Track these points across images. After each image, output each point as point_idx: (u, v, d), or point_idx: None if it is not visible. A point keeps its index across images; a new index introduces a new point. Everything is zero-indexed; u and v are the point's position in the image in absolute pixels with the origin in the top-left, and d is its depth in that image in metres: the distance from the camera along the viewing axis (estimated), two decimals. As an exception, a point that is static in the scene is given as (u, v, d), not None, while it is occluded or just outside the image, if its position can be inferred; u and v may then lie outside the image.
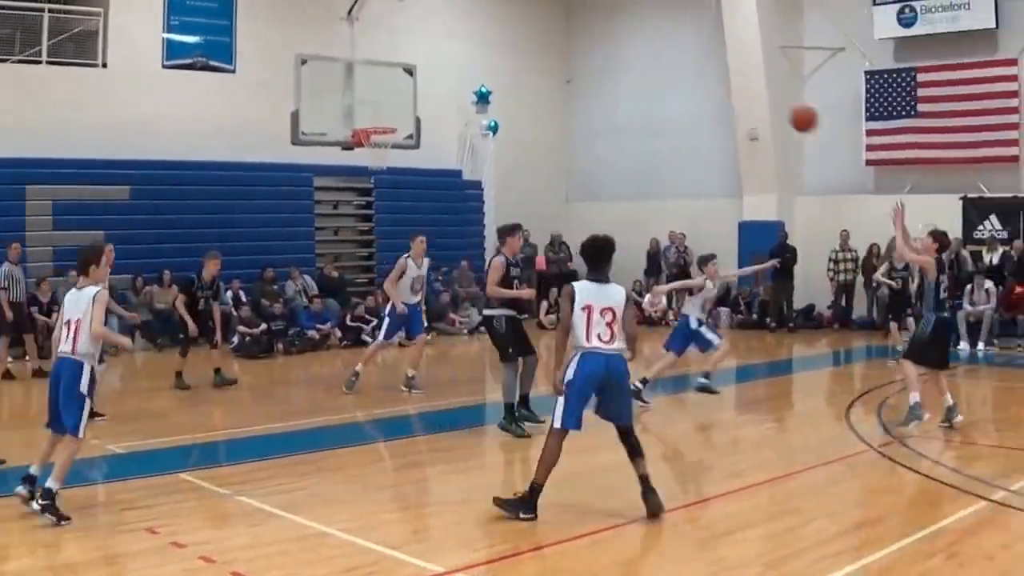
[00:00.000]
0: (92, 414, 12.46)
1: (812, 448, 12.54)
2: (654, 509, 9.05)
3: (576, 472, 11.09)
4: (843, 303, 25.52)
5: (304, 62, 19.74)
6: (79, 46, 22.92)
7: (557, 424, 9.09)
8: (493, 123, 28.70)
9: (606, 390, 9.12)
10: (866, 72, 25.91)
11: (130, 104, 22.57)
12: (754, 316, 26.17)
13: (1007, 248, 22.73)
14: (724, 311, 26.48)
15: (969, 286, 21.95)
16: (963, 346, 21.56)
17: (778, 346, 22.59)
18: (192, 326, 16.35)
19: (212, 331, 16.76)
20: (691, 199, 28.60)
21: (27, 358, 18.10)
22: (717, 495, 10.12)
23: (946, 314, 13.16)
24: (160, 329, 21.51)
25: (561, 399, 9.10)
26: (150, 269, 22.05)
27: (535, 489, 9.02)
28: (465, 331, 24.70)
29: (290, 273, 23.92)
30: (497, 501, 9.13)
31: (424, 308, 17.47)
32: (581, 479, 10.47)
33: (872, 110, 25.77)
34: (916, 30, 24.88)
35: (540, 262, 28.89)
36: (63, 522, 8.75)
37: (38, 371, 16.75)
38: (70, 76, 22.55)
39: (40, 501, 8.86)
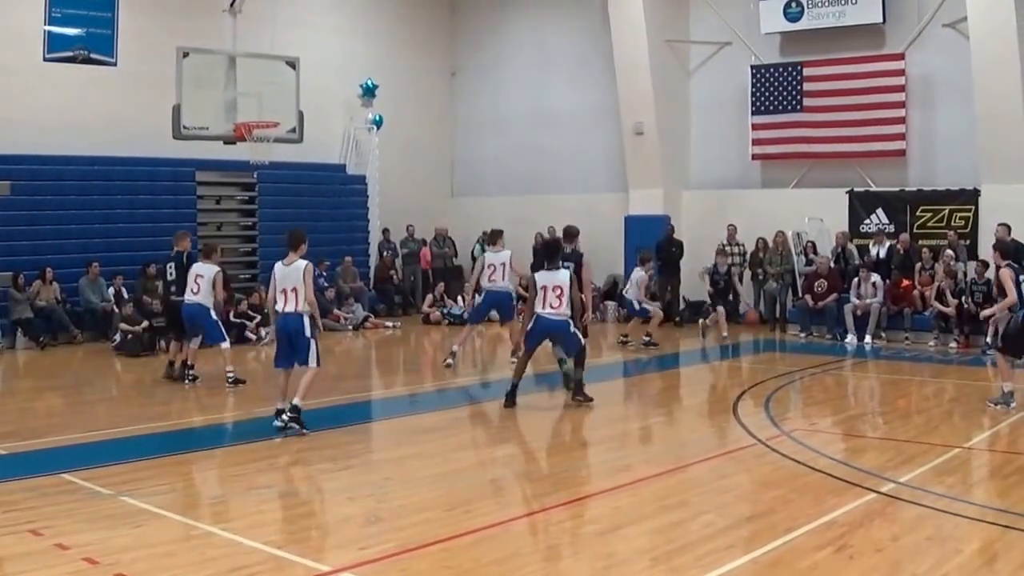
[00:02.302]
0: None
1: (700, 442, 12.65)
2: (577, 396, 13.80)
3: (463, 468, 10.88)
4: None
5: (186, 55, 19.66)
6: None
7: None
8: (377, 117, 28.44)
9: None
10: (752, 66, 25.99)
11: (10, 97, 22.08)
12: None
13: (893, 242, 22.83)
14: (611, 304, 26.37)
15: (856, 279, 22.09)
16: (850, 339, 21.73)
17: (665, 340, 22.47)
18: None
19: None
20: (577, 193, 28.50)
21: None
22: (605, 489, 10.05)
23: None
24: (43, 327, 21.20)
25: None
26: (31, 266, 21.52)
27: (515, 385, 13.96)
28: (350, 327, 24.22)
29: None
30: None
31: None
32: (468, 475, 10.55)
33: (758, 104, 25.84)
34: (802, 25, 25.03)
35: (425, 256, 28.54)
36: (305, 431, 12.04)
37: None
38: (-52, 69, 21.96)
39: (288, 414, 12.09)
